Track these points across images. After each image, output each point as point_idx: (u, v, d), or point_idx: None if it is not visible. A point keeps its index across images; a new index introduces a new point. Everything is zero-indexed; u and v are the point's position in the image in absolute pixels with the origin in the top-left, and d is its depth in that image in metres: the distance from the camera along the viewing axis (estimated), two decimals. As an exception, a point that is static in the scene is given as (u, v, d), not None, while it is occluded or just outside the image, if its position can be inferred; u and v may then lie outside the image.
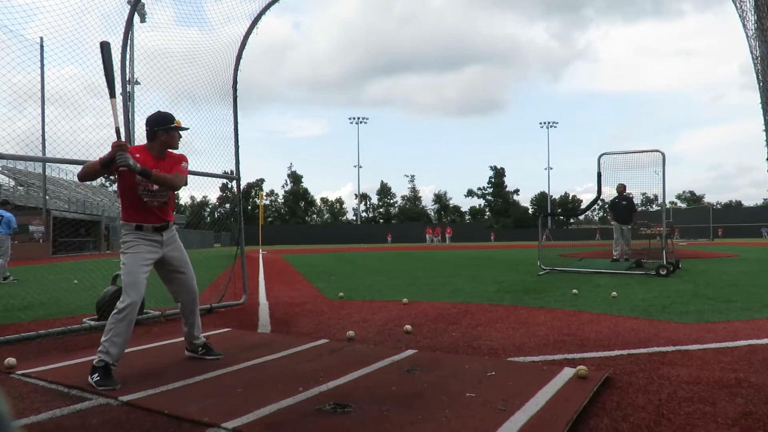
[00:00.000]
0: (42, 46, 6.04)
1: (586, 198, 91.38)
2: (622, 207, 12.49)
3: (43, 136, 6.40)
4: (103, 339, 3.41)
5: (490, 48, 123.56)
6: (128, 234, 3.64)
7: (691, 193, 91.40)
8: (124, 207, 3.68)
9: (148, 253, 3.64)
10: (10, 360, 3.77)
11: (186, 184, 3.77)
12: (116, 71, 5.98)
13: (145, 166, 3.53)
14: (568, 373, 3.35)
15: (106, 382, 3.24)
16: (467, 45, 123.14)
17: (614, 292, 7.29)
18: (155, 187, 3.62)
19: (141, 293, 3.55)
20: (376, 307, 6.71)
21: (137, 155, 3.58)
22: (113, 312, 3.47)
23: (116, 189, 3.68)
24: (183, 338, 4.09)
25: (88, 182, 3.99)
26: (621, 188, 12.31)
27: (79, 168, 3.68)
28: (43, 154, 6.37)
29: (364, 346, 4.43)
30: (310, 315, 6.22)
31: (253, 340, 4.75)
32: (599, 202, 12.39)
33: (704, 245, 32.27)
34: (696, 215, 59.75)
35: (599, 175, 11.46)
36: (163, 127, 3.68)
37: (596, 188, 11.64)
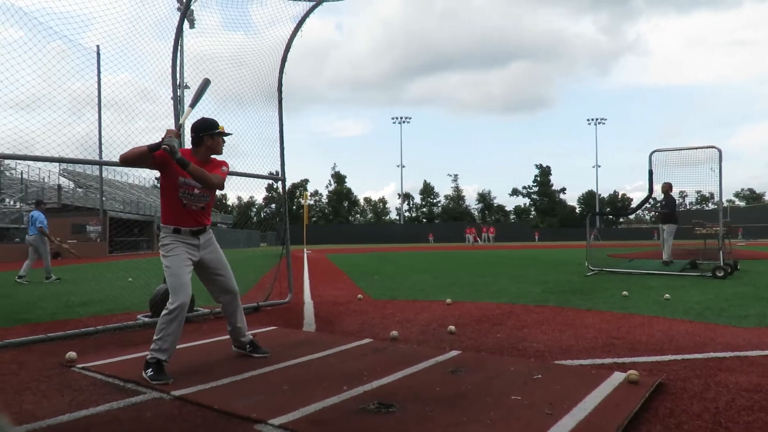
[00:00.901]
0: (98, 54, 6.32)
1: (637, 196, 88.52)
2: (662, 206, 11.98)
3: (99, 140, 6.70)
4: (155, 338, 3.54)
5: (534, 43, 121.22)
6: (167, 237, 3.72)
7: (751, 190, 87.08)
8: (164, 209, 3.78)
9: (186, 254, 3.72)
10: (71, 354, 3.96)
11: (222, 186, 3.80)
12: (168, 76, 6.20)
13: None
14: (618, 377, 3.25)
15: (159, 377, 3.36)
16: (511, 41, 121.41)
17: (667, 294, 7.02)
18: (196, 191, 3.70)
19: (188, 293, 3.65)
20: (420, 307, 6.70)
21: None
22: (164, 312, 3.58)
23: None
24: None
25: (129, 167, 4.07)
26: (666, 187, 11.79)
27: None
28: (100, 157, 6.66)
29: (407, 346, 4.43)
30: (353, 314, 6.27)
31: (298, 338, 4.83)
32: (650, 200, 11.95)
33: (765, 245, 30.65)
34: (756, 214, 56.76)
35: (650, 172, 11.06)
36: (209, 133, 3.76)
37: (647, 186, 11.24)
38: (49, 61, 5.18)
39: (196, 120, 3.85)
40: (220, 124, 3.85)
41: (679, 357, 3.88)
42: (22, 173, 31.63)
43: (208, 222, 3.91)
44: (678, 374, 3.42)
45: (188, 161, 3.52)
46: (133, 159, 3.57)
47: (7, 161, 23.99)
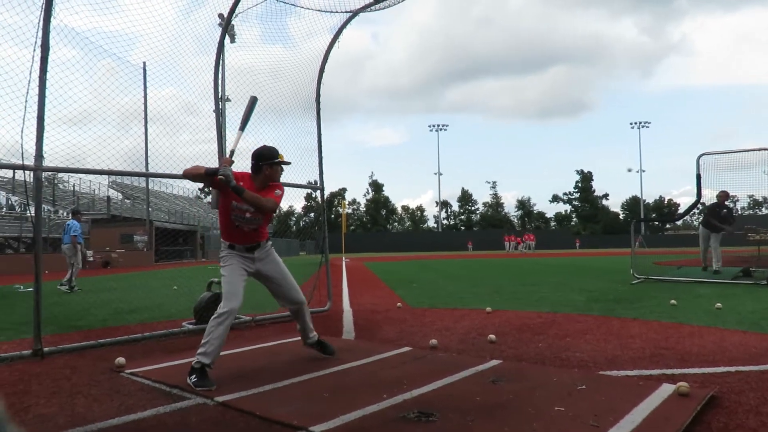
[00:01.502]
0: (145, 70, 6.56)
1: (684, 202, 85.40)
2: (723, 216, 11.40)
3: (146, 152, 6.95)
4: (203, 341, 3.66)
5: (573, 47, 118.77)
6: (224, 250, 3.96)
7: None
8: (221, 226, 4.02)
9: (242, 266, 3.92)
10: (120, 360, 4.10)
11: (275, 210, 3.96)
12: (210, 90, 6.38)
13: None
14: (667, 389, 3.13)
15: (203, 383, 3.45)
16: (549, 45, 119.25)
17: (719, 303, 6.73)
18: (247, 215, 3.86)
19: (240, 301, 3.81)
20: (459, 316, 6.64)
21: (241, 183, 3.81)
22: (213, 317, 3.73)
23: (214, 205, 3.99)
24: (272, 342, 4.29)
25: (189, 182, 4.33)
26: (723, 196, 11.24)
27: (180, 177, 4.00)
28: (146, 169, 6.90)
29: (447, 354, 4.39)
30: (392, 322, 6.26)
31: (337, 346, 4.84)
32: (699, 205, 11.50)
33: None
34: (814, 218, 53.98)
35: (699, 176, 10.67)
36: (268, 162, 3.92)
37: (695, 191, 10.84)
38: (99, 78, 5.42)
39: (258, 148, 3.98)
40: (265, 144, 4.02)
41: (732, 369, 3.71)
42: (74, 186, 33.10)
43: (263, 238, 4.05)
44: (732, 387, 3.27)
45: (243, 189, 3.70)
46: (192, 177, 3.85)
47: (60, 174, 25.13)
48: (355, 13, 6.84)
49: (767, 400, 2.98)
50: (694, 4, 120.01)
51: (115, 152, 5.54)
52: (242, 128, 4.08)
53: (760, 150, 10.07)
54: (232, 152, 3.92)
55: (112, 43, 5.47)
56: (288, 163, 4.12)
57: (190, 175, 3.83)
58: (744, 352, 4.21)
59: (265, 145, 4.03)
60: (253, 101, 4.17)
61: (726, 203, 11.40)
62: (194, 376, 3.51)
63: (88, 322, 6.68)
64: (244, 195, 3.68)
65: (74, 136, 5.16)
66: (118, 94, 5.68)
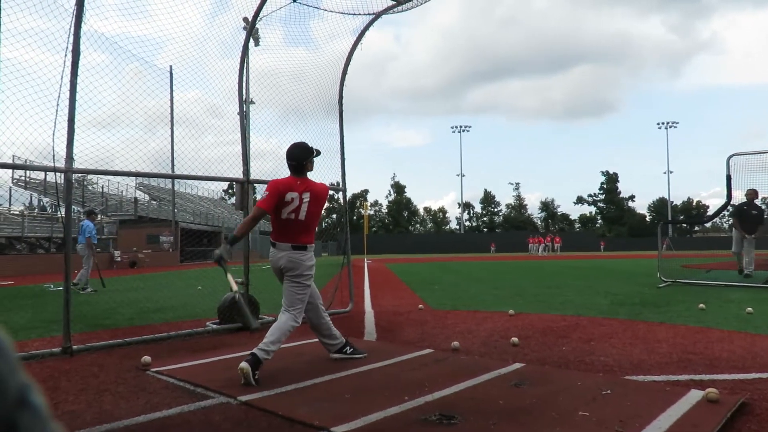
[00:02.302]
0: (171, 74, 6.68)
1: (713, 204, 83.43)
2: (752, 216, 11.10)
3: (172, 154, 7.06)
4: (271, 341, 3.74)
5: (599, 46, 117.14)
6: (312, 257, 4.05)
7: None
8: (311, 232, 4.06)
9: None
10: (146, 358, 4.18)
11: None
12: (235, 92, 6.45)
13: (296, 192, 3.95)
14: (695, 395, 3.06)
15: (257, 381, 3.54)
16: (574, 44, 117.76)
17: (749, 308, 6.55)
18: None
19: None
20: (481, 318, 6.59)
21: (298, 192, 3.96)
22: (293, 324, 3.88)
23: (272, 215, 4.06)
24: (297, 342, 4.33)
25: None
26: (752, 194, 10.95)
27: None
28: (173, 170, 7.01)
29: (469, 357, 4.37)
30: (414, 324, 6.25)
31: (359, 347, 4.85)
32: (729, 207, 11.20)
33: None
34: None
35: (729, 178, 10.40)
36: (310, 159, 4.10)
37: (725, 192, 10.58)
38: (127, 82, 5.55)
39: (292, 149, 4.06)
40: (283, 143, 4.18)
41: (764, 375, 3.61)
42: (102, 187, 33.82)
43: None
44: (763, 394, 3.17)
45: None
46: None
47: (90, 176, 25.74)
48: (377, 15, 6.86)
49: (801, 408, 2.89)
50: (724, 0, 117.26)
51: (142, 154, 5.66)
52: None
53: (793, 150, 9.77)
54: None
55: (139, 48, 5.59)
56: (318, 153, 4.23)
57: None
58: (776, 359, 4.09)
59: (297, 145, 4.10)
60: (317, 152, 4.35)
61: (755, 202, 11.08)
62: (257, 372, 3.58)
63: (116, 320, 6.82)
64: None
65: (103, 139, 5.29)
66: (146, 97, 5.79)
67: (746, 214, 11.16)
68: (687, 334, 5.22)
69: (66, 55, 4.56)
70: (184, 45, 5.79)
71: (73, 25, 4.59)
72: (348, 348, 4.31)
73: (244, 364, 3.53)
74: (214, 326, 5.88)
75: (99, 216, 27.13)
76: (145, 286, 12.65)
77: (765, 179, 10.72)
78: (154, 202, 39.34)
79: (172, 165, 7.03)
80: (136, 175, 5.92)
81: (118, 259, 26.50)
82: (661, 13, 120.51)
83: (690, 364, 3.98)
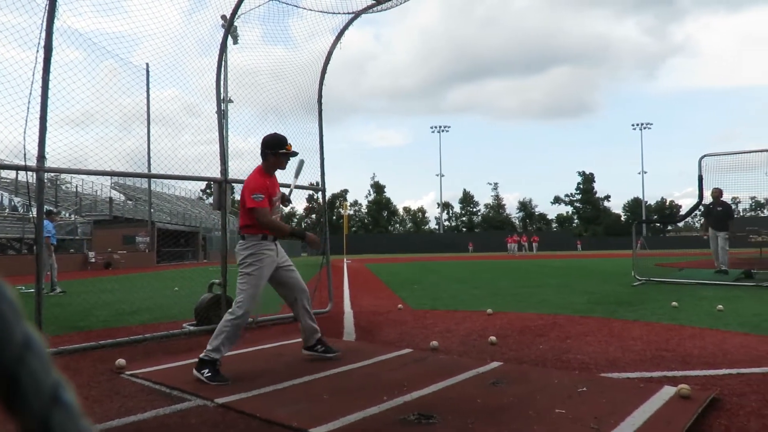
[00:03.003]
0: (147, 71, 6.58)
1: (686, 203, 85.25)
2: (718, 213, 11.49)
3: (148, 153, 6.96)
4: (214, 338, 3.71)
5: (577, 47, 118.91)
6: (255, 244, 3.96)
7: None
8: (253, 221, 3.98)
9: (270, 266, 4.00)
10: (120, 361, 4.10)
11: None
12: (212, 91, 6.37)
13: (273, 188, 4.05)
14: (668, 391, 3.12)
15: (218, 378, 3.53)
16: (552, 45, 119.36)
17: (720, 306, 6.71)
18: (276, 204, 4.10)
19: (256, 305, 3.94)
20: (460, 317, 6.63)
21: (268, 182, 4.01)
22: (230, 317, 3.78)
23: (237, 204, 4.09)
24: (275, 344, 4.30)
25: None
26: (717, 193, 11.32)
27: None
28: (149, 170, 6.91)
29: (448, 356, 4.39)
30: (393, 324, 6.26)
31: (338, 347, 4.84)
32: (701, 207, 11.49)
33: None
34: (817, 220, 53.68)
35: (701, 178, 10.65)
36: (273, 151, 4.04)
37: (697, 192, 10.83)
38: (101, 79, 5.44)
39: (267, 135, 4.13)
40: (288, 142, 4.15)
41: (734, 371, 3.70)
42: (76, 187, 33.16)
43: None
44: (733, 389, 3.26)
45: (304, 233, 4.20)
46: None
47: (63, 175, 25.19)
48: (357, 15, 6.85)
49: (769, 403, 2.97)
50: (697, 4, 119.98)
51: (117, 153, 5.56)
52: (296, 175, 4.73)
53: (762, 151, 10.06)
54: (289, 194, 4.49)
55: (115, 45, 5.49)
56: (295, 154, 4.18)
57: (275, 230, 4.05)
58: (745, 354, 4.20)
59: (276, 134, 4.13)
60: (301, 163, 4.77)
61: (722, 200, 11.41)
62: (206, 370, 3.55)
63: (90, 323, 6.69)
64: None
65: (76, 137, 5.18)
66: (121, 95, 5.70)
67: (713, 212, 11.56)
68: (660, 331, 5.33)
69: (38, 51, 4.46)
70: (161, 42, 5.71)
71: (45, 20, 4.49)
72: (320, 346, 4.28)
73: (193, 372, 3.59)
74: (191, 328, 5.80)
75: (61, 215, 26.60)
76: (121, 288, 12.44)
77: (735, 179, 11.03)
78: (130, 202, 38.70)
79: (149, 164, 6.93)
80: (111, 174, 5.81)
81: (93, 260, 26.02)
82: (637, 15, 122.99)
83: (663, 361, 4.06)
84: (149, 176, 8.21)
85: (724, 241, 11.39)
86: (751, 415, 2.77)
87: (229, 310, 3.89)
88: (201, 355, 3.67)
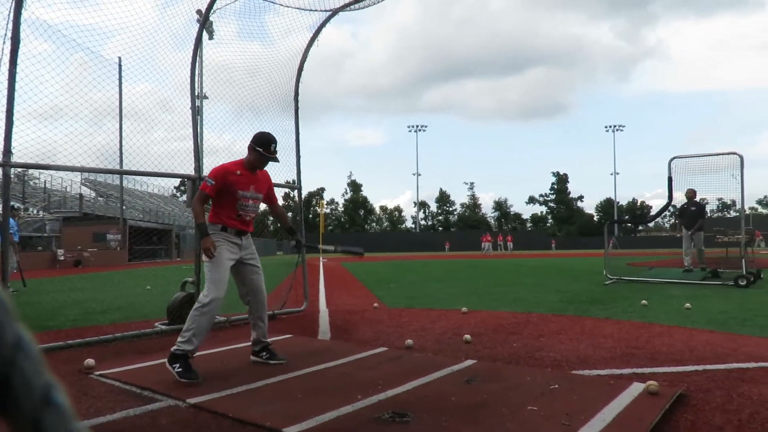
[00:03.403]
0: (120, 65, 6.43)
1: (656, 204, 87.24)
2: (691, 213, 11.84)
3: (120, 149, 6.81)
4: (184, 330, 3.63)
5: (552, 49, 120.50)
6: (213, 234, 3.89)
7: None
8: (216, 212, 3.96)
9: (230, 253, 3.91)
10: (89, 361, 4.01)
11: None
12: (187, 86, 6.28)
13: (245, 182, 3.97)
14: (637, 388, 3.19)
15: (188, 375, 3.44)
16: (528, 47, 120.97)
17: (688, 304, 6.89)
18: (250, 202, 4.00)
19: (224, 289, 3.80)
20: (435, 316, 6.66)
21: (238, 172, 3.95)
22: (197, 306, 3.70)
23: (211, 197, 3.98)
24: (247, 343, 4.24)
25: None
26: (691, 194, 11.66)
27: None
28: (121, 166, 6.77)
29: (423, 354, 4.41)
30: (369, 323, 6.26)
31: (313, 346, 4.83)
32: (670, 208, 11.78)
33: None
34: (780, 222, 55.44)
35: (670, 179, 10.90)
36: (254, 147, 4.00)
37: (667, 193, 11.09)
38: (72, 73, 5.30)
39: (261, 131, 4.13)
40: (239, 139, 4.10)
41: (700, 368, 3.80)
42: (45, 183, 32.31)
43: (251, 229, 4.18)
44: (699, 385, 3.34)
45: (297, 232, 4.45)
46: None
47: (30, 171, 24.54)
48: (334, 12, 6.82)
49: (733, 398, 3.06)
50: (668, 9, 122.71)
51: (87, 149, 5.42)
52: (337, 250, 4.75)
53: (729, 154, 10.33)
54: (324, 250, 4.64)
55: (85, 37, 5.36)
56: (273, 160, 4.07)
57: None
58: (711, 351, 4.31)
59: (267, 132, 4.10)
60: (359, 253, 4.88)
61: (696, 200, 11.73)
62: (178, 365, 3.47)
63: (58, 322, 6.53)
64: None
65: (45, 132, 5.04)
66: (92, 89, 5.55)
67: (686, 212, 11.89)
68: (631, 329, 5.44)
69: (4, 43, 4.33)
70: (134, 36, 5.59)
71: (12, 11, 4.36)
72: (264, 353, 4.14)
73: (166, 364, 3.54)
74: (163, 327, 5.71)
75: (28, 212, 25.91)
76: (91, 287, 12.17)
77: (703, 181, 11.31)
78: (101, 199, 37.89)
79: (120, 160, 6.79)
80: (82, 170, 5.67)
81: (62, 258, 25.42)
82: (610, 19, 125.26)
83: (633, 358, 4.15)
84: (121, 173, 8.05)
85: (701, 241, 11.71)
86: (716, 411, 2.85)
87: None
88: (172, 348, 3.60)
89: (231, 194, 3.92)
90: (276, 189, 7.25)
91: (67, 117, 5.37)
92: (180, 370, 3.47)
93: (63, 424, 0.45)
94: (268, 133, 4.09)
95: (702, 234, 11.78)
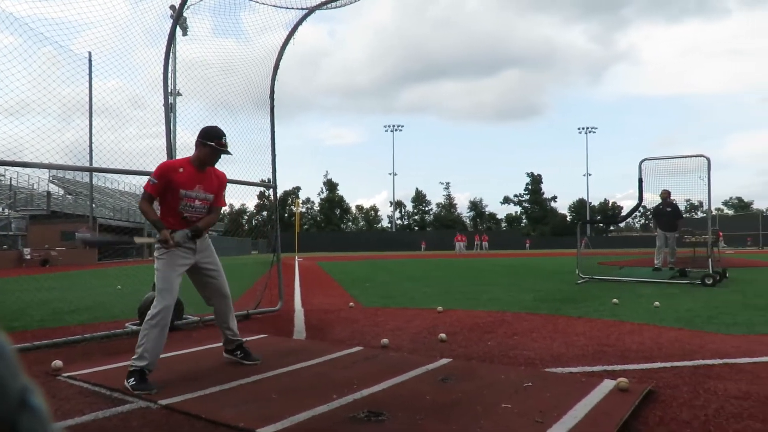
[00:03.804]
0: (90, 61, 6.28)
1: (627, 205, 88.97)
2: (667, 214, 12.13)
3: (90, 146, 6.65)
4: (137, 346, 3.48)
5: (527, 51, 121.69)
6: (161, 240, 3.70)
7: (739, 199, 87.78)
8: (162, 215, 3.78)
9: (181, 259, 3.72)
10: (57, 362, 3.91)
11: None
12: (159, 83, 6.17)
13: (189, 180, 3.72)
14: (608, 385, 3.25)
15: (142, 386, 3.31)
16: (503, 49, 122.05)
17: (657, 302, 7.05)
18: (197, 202, 3.78)
19: (174, 297, 3.64)
20: (411, 315, 6.68)
21: (181, 169, 3.70)
22: (147, 318, 3.54)
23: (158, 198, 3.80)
24: (221, 343, 4.17)
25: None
26: (665, 194, 11.92)
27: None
28: (90, 163, 6.61)
29: (398, 354, 4.42)
30: (344, 322, 6.25)
31: (288, 346, 4.80)
32: (640, 208, 12.04)
33: (753, 254, 30.97)
34: (744, 222, 57.21)
35: (640, 181, 11.14)
36: (203, 141, 3.76)
37: (637, 194, 11.33)
38: (39, 67, 5.15)
39: (207, 125, 3.90)
40: (224, 139, 3.85)
41: (668, 364, 3.89)
42: (11, 180, 31.35)
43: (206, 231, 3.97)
44: (668, 382, 3.43)
45: (200, 229, 3.78)
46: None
47: (-5, 167, 23.80)
48: (311, 11, 6.78)
49: (699, 394, 3.14)
50: (640, 14, 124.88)
51: (55, 145, 5.28)
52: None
53: (697, 156, 10.60)
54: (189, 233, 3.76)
55: (54, 31, 5.21)
56: (225, 152, 3.83)
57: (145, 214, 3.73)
58: (679, 348, 4.43)
59: (213, 125, 3.87)
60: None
61: (671, 200, 12.01)
62: (132, 379, 3.36)
63: (24, 323, 6.35)
64: (203, 232, 3.82)
65: (11, 128, 4.89)
66: (60, 84, 5.41)
67: (662, 213, 12.16)
68: (602, 327, 5.55)
69: (-33, 34, 4.19)
70: (105, 30, 5.46)
71: (-24, 2, 4.22)
72: (238, 352, 4.07)
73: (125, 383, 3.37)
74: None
75: None
76: (58, 286, 11.87)
77: (672, 182, 11.60)
78: (70, 197, 36.98)
79: (90, 157, 6.63)
80: (49, 167, 5.52)
81: (28, 257, 24.74)
82: (584, 22, 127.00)
83: (604, 356, 4.23)
84: (91, 170, 7.86)
85: (674, 241, 11.99)
86: (683, 406, 2.93)
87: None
88: (128, 366, 3.46)
89: (174, 193, 3.68)
90: (251, 188, 7.24)
91: (34, 113, 5.22)
92: (134, 383, 3.32)
93: (40, 426, 0.44)
94: (216, 126, 3.87)
95: (675, 234, 12.06)
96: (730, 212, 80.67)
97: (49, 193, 32.90)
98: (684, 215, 13.08)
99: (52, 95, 5.28)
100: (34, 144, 5.09)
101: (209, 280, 3.94)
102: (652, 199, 12.19)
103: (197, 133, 3.85)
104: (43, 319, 6.61)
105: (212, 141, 3.75)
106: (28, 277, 12.73)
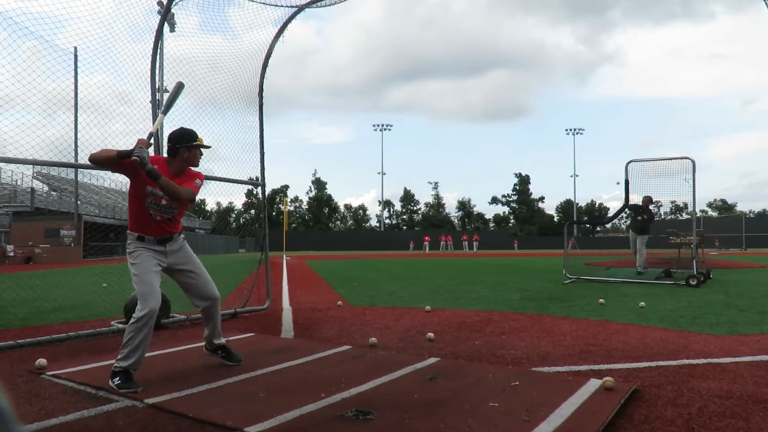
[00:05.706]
0: (76, 55, 6.20)
1: (613, 206, 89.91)
2: (643, 219, 12.23)
3: (75, 142, 6.57)
4: (121, 347, 3.42)
5: (514, 52, 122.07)
6: (132, 243, 3.63)
7: (723, 201, 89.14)
8: (130, 216, 3.68)
9: (154, 260, 3.62)
10: (41, 361, 3.86)
11: (193, 200, 3.72)
12: (146, 78, 6.12)
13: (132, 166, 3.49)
14: (594, 384, 3.28)
15: (127, 385, 3.28)
16: (491, 49, 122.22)
17: (642, 302, 7.13)
18: (163, 202, 3.60)
19: (158, 300, 3.54)
20: (399, 314, 6.69)
21: (155, 165, 3.51)
22: (131, 320, 3.46)
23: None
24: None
25: (98, 169, 3.99)
26: (647, 201, 12.05)
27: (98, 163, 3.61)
28: (76, 160, 6.52)
29: (386, 352, 4.42)
30: (332, 321, 6.24)
31: (276, 345, 4.78)
32: (627, 209, 12.17)
33: (736, 255, 31.42)
34: (727, 224, 58.03)
35: (627, 182, 11.26)
36: (186, 145, 3.65)
37: (624, 196, 11.44)
38: (23, 62, 5.07)
39: (174, 129, 3.72)
40: (199, 135, 3.73)
41: (653, 364, 3.94)
42: (-7, 176, 30.90)
43: (177, 230, 3.80)
44: (652, 381, 3.47)
45: (159, 174, 3.41)
46: (102, 161, 3.53)
47: (-22, 163, 23.42)
48: (300, 9, 6.75)
49: (683, 393, 3.18)
50: (626, 16, 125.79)
51: (40, 141, 5.20)
52: (165, 112, 3.90)
53: (682, 158, 10.73)
54: (151, 135, 3.58)
55: (38, 25, 5.13)
56: (207, 147, 3.79)
57: (99, 159, 3.47)
58: (664, 348, 4.48)
59: (183, 127, 3.73)
60: (179, 87, 3.99)
61: (650, 208, 12.13)
62: (117, 378, 3.32)
63: (7, 321, 6.26)
64: (160, 181, 3.39)
65: (-7, 122, 4.81)
66: (45, 79, 5.33)
67: (638, 215, 12.28)
68: (588, 327, 5.59)
69: (-50, 27, 4.11)
70: (91, 25, 5.39)
71: (-41, -6, 4.15)
72: (220, 352, 4.01)
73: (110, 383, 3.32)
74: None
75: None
76: (42, 284, 11.71)
77: (657, 184, 11.71)
78: (54, 193, 36.50)
79: (76, 153, 6.54)
80: (33, 163, 5.44)
81: (11, 254, 24.40)
82: (571, 24, 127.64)
83: (590, 355, 4.27)
84: (76, 166, 7.75)
85: (642, 244, 12.10)
86: (667, 405, 2.96)
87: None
88: (113, 366, 3.42)
89: (140, 190, 3.56)
90: (239, 186, 7.19)
91: (18, 107, 5.14)
92: (119, 381, 3.28)
93: (4, 428, 0.43)
94: (185, 127, 3.75)
95: (646, 238, 12.15)
96: (714, 214, 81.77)
97: (33, 189, 32.48)
98: (669, 217, 13.23)
99: (36, 90, 5.21)
100: (17, 139, 5.01)
101: (189, 282, 3.82)
102: (638, 201, 12.32)
103: (169, 140, 3.66)
104: (27, 317, 6.53)
105: (194, 141, 3.67)
106: (11, 274, 12.54)
